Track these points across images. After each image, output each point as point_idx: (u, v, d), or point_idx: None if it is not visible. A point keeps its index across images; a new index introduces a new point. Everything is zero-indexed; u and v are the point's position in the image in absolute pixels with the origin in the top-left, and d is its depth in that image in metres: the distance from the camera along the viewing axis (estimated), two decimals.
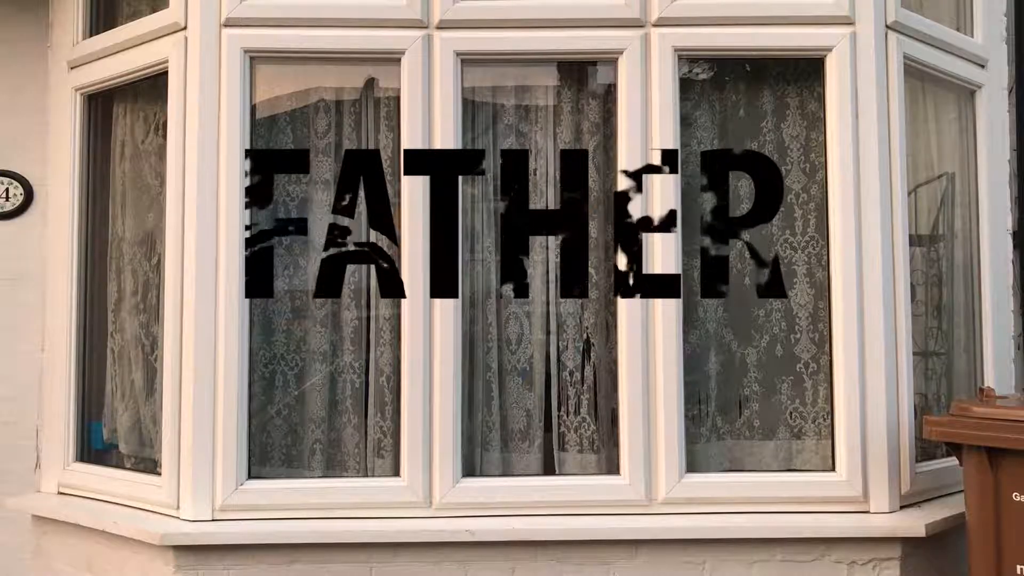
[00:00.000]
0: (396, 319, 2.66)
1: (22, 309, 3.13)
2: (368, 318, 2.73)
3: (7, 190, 3.18)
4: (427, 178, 2.63)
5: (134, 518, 2.65)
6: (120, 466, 2.92)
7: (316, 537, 2.53)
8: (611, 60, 2.70)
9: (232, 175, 2.62)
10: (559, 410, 2.73)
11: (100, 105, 3.07)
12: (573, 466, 2.71)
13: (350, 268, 2.73)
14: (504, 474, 2.69)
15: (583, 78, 2.81)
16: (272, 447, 2.72)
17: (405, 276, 2.62)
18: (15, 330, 3.13)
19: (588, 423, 2.71)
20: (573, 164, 2.75)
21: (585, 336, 2.74)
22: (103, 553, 2.71)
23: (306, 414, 2.74)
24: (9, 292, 3.15)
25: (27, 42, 3.18)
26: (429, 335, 2.61)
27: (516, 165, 2.74)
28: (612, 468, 2.66)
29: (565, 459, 2.72)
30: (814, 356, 2.72)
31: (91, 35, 3.03)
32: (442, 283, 2.62)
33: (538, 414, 2.73)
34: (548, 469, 2.71)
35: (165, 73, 2.73)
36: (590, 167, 2.75)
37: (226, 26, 2.65)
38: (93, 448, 3.02)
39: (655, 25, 2.67)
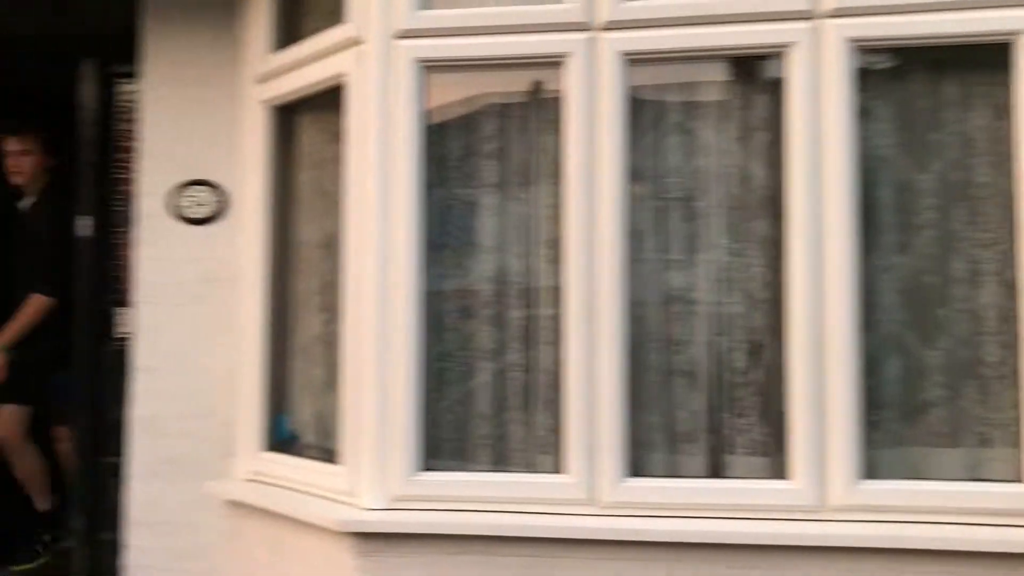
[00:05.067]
0: (561, 318, 2.70)
1: (217, 307, 3.36)
2: (533, 317, 2.78)
3: (202, 197, 3.44)
4: (591, 178, 2.66)
5: (316, 505, 2.80)
6: (304, 455, 3.08)
7: (485, 529, 2.60)
8: (781, 54, 2.63)
9: (406, 181, 2.73)
10: (726, 412, 2.69)
11: (285, 117, 3.26)
12: (740, 469, 2.66)
13: (516, 268, 2.79)
14: (669, 475, 2.68)
15: (751, 73, 2.75)
16: (442, 441, 2.81)
17: (570, 276, 2.66)
18: (211, 327, 3.37)
19: (757, 426, 2.66)
20: (741, 162, 2.70)
21: (754, 337, 2.69)
22: (290, 537, 2.88)
23: (474, 410, 2.81)
24: (205, 292, 3.39)
25: (220, 59, 3.42)
26: (594, 334, 2.63)
27: (682, 163, 2.72)
28: (782, 472, 2.59)
29: (732, 462, 2.67)
30: (1002, 360, 2.56)
31: (277, 51, 3.22)
32: (605, 283, 2.64)
33: (704, 416, 2.71)
34: (714, 471, 2.67)
35: (344, 85, 2.87)
36: (759, 164, 2.69)
37: (401, 38, 2.76)
38: (280, 438, 3.20)
39: (828, 16, 2.59)
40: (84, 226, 3.73)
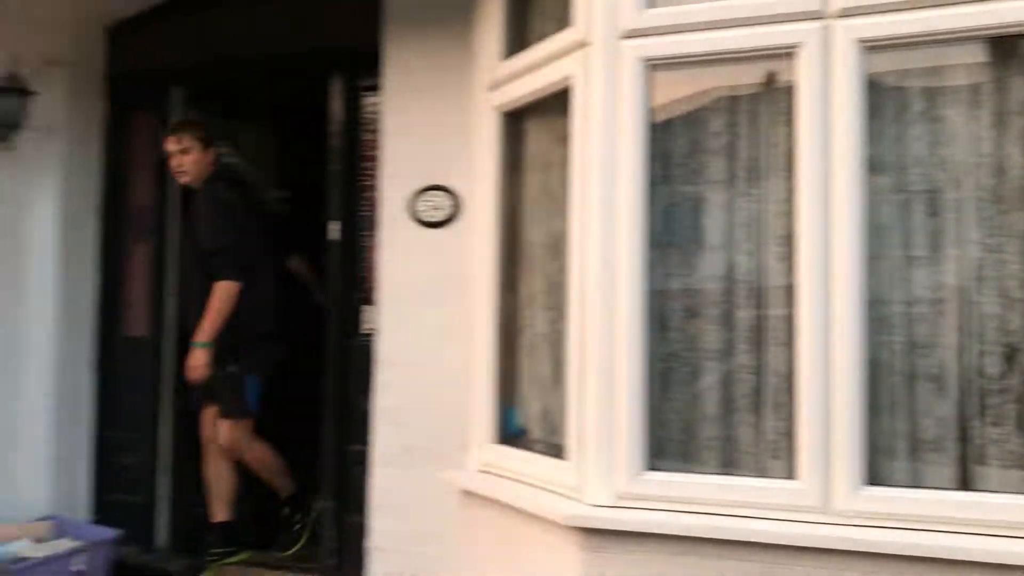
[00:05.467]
0: (793, 318, 2.61)
1: (452, 305, 3.53)
2: (763, 317, 2.71)
3: (438, 202, 3.62)
4: (826, 171, 2.55)
5: (544, 499, 2.86)
6: (531, 449, 3.16)
7: (710, 532, 2.56)
8: None
9: (631, 181, 2.74)
10: (977, 420, 2.49)
11: (514, 121, 3.36)
12: (992, 482, 2.45)
13: (744, 266, 2.72)
14: (911, 485, 2.52)
15: (1006, 53, 2.53)
16: (667, 441, 2.79)
17: (803, 274, 2.56)
18: (446, 323, 3.55)
19: (1012, 436, 2.45)
20: (995, 150, 2.50)
21: (1010, 340, 2.47)
22: (518, 528, 2.97)
23: (700, 411, 2.77)
24: (441, 291, 3.58)
25: (454, 70, 3.59)
26: (829, 335, 2.52)
27: (927, 153, 2.55)
28: None
29: (983, 474, 2.47)
30: None
31: (507, 58, 3.33)
32: (841, 281, 2.52)
33: (951, 424, 2.52)
34: (962, 483, 2.48)
35: (570, 87, 2.92)
36: (1017, 152, 2.47)
37: (626, 38, 2.78)
38: (509, 431, 3.30)
39: None
40: (333, 230, 4.03)
